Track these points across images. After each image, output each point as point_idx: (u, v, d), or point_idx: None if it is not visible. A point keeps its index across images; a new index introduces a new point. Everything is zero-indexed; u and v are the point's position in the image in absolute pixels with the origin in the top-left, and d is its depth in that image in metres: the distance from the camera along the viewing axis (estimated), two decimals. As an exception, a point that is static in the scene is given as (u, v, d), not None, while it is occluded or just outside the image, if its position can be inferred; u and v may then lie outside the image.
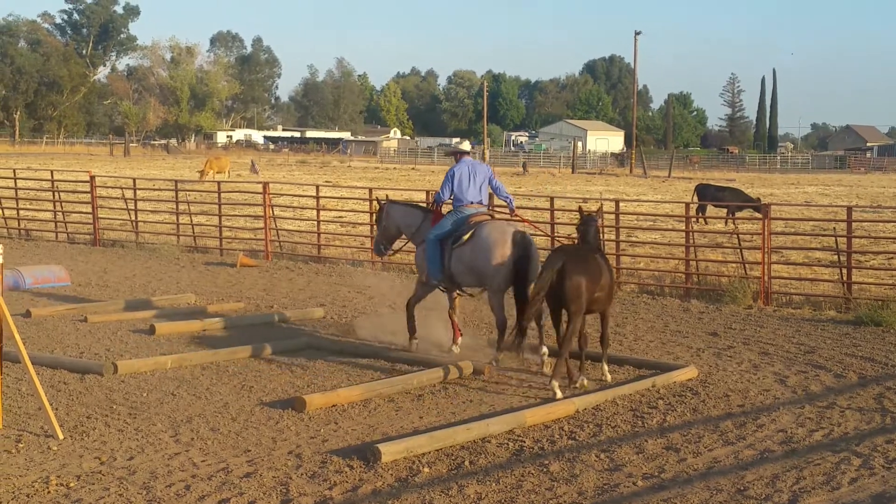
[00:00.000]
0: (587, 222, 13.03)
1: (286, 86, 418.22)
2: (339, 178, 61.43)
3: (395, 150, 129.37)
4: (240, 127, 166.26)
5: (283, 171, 74.10)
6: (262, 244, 24.57)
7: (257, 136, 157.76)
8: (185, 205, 26.77)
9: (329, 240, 25.26)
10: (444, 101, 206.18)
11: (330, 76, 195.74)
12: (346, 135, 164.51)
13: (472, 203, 14.02)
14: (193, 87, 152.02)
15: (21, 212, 29.64)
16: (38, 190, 34.14)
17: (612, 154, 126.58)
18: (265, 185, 24.54)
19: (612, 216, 21.86)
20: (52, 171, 31.44)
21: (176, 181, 28.31)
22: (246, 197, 34.65)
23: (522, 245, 13.26)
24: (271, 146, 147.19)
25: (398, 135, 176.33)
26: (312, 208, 28.09)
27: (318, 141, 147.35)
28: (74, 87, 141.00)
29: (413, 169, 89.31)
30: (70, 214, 28.89)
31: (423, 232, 14.41)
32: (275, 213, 26.26)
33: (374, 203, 15.22)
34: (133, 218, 27.16)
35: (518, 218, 14.76)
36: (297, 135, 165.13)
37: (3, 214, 29.24)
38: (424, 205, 15.09)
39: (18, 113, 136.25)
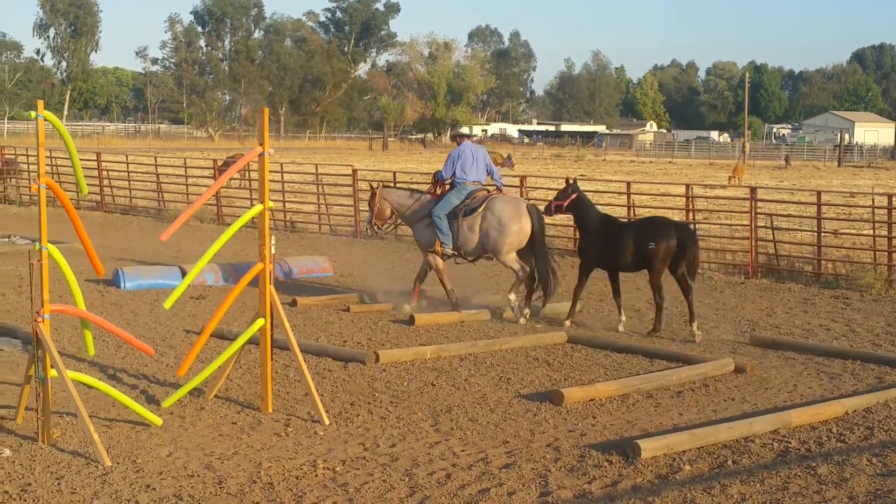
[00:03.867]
0: (576, 190, 15.47)
1: (541, 79, 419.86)
2: (594, 172, 61.25)
3: (650, 144, 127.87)
4: (495, 121, 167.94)
5: (537, 164, 74.46)
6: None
7: (512, 129, 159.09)
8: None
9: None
10: (702, 93, 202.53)
11: (586, 69, 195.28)
12: (602, 128, 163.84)
13: (473, 181, 16.17)
14: (450, 82, 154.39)
15: (287, 204, 30.80)
16: (301, 183, 35.41)
17: (883, 147, 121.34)
18: (522, 179, 24.70)
19: (884, 211, 20.99)
20: (316, 165, 32.48)
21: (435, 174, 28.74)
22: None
23: (538, 216, 15.63)
24: (526, 140, 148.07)
25: (654, 128, 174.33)
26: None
27: (572, 134, 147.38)
28: (336, 83, 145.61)
29: (670, 163, 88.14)
30: (332, 207, 29.84)
31: (415, 212, 16.51)
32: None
33: (369, 187, 17.69)
34: (392, 211, 27.79)
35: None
36: (552, 128, 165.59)
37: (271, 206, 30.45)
38: (423, 189, 17.30)
39: (284, 109, 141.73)
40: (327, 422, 9.96)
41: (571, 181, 15.96)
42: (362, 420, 10.13)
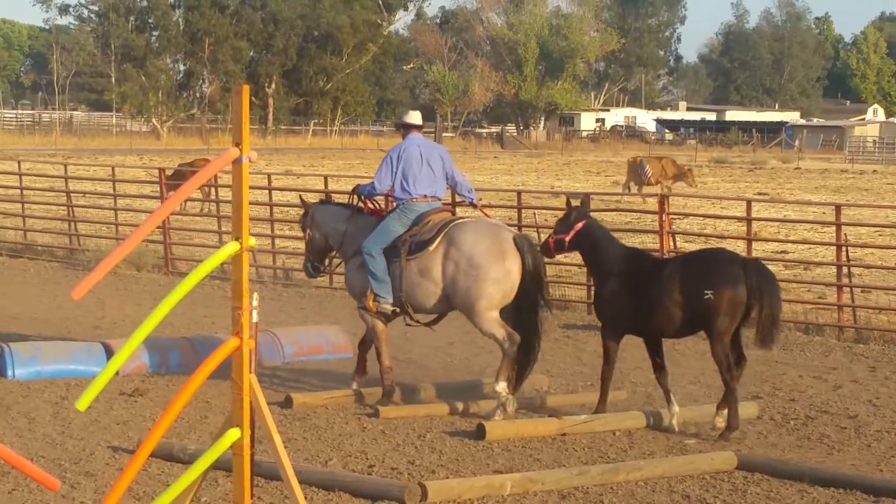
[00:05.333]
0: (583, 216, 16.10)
1: (694, 38, 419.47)
2: (780, 189, 61.05)
3: (874, 141, 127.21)
4: (618, 105, 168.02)
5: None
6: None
7: (646, 118, 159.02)
8: (534, 230, 27.03)
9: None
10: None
11: (767, 20, 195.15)
12: (794, 116, 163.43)
13: (424, 197, 16.52)
14: (545, 42, 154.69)
15: (278, 241, 30.76)
16: (302, 207, 35.39)
17: None
18: (662, 199, 24.54)
19: None
20: (325, 178, 32.33)
21: (518, 191, 28.64)
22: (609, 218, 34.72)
23: (532, 254, 16.04)
24: (668, 135, 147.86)
25: (880, 116, 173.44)
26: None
27: (744, 127, 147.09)
28: (359, 43, 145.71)
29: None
30: (352, 245, 29.85)
31: (350, 241, 16.99)
32: (676, 242, 26.25)
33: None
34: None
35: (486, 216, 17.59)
36: (711, 116, 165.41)
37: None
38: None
39: (274, 85, 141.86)
40: None
41: (575, 202, 16.55)
42: None
